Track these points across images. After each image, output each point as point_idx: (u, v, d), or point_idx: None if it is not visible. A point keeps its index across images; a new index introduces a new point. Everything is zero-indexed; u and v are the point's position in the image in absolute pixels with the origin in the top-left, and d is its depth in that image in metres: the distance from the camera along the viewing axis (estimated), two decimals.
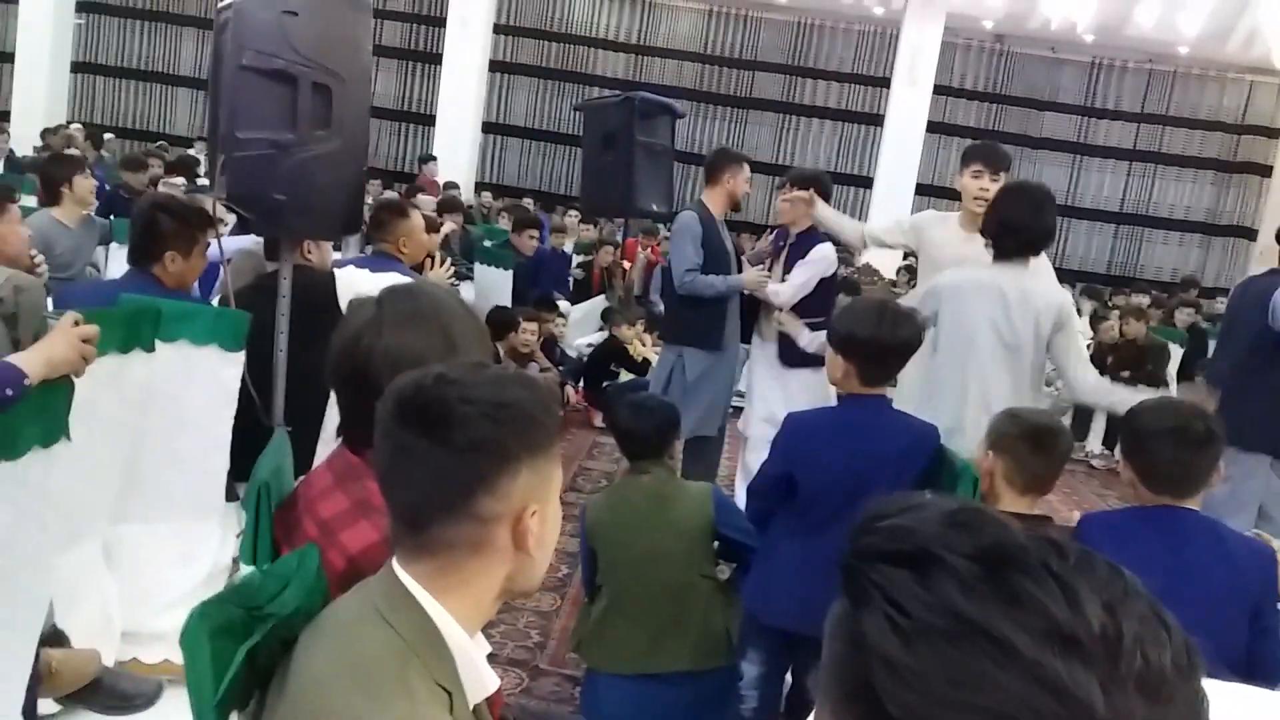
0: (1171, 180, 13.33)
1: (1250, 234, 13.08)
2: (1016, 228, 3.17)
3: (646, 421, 2.90)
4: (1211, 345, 9.00)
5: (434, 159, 11.62)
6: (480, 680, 1.25)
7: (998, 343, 3.12)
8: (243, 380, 2.97)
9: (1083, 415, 7.74)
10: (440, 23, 12.57)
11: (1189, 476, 2.22)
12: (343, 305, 2.95)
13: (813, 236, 4.40)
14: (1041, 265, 3.59)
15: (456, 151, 12.21)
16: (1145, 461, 2.25)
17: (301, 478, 1.77)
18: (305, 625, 1.26)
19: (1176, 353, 8.56)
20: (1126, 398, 3.23)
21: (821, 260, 4.35)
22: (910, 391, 3.34)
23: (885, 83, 12.66)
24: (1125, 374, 7.64)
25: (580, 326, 7.74)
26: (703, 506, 2.78)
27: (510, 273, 6.56)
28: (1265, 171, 13.15)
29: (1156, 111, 13.18)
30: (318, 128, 2.84)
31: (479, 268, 6.82)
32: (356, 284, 3.41)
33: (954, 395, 3.10)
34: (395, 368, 1.42)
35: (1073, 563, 0.60)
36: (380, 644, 1.16)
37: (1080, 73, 13.21)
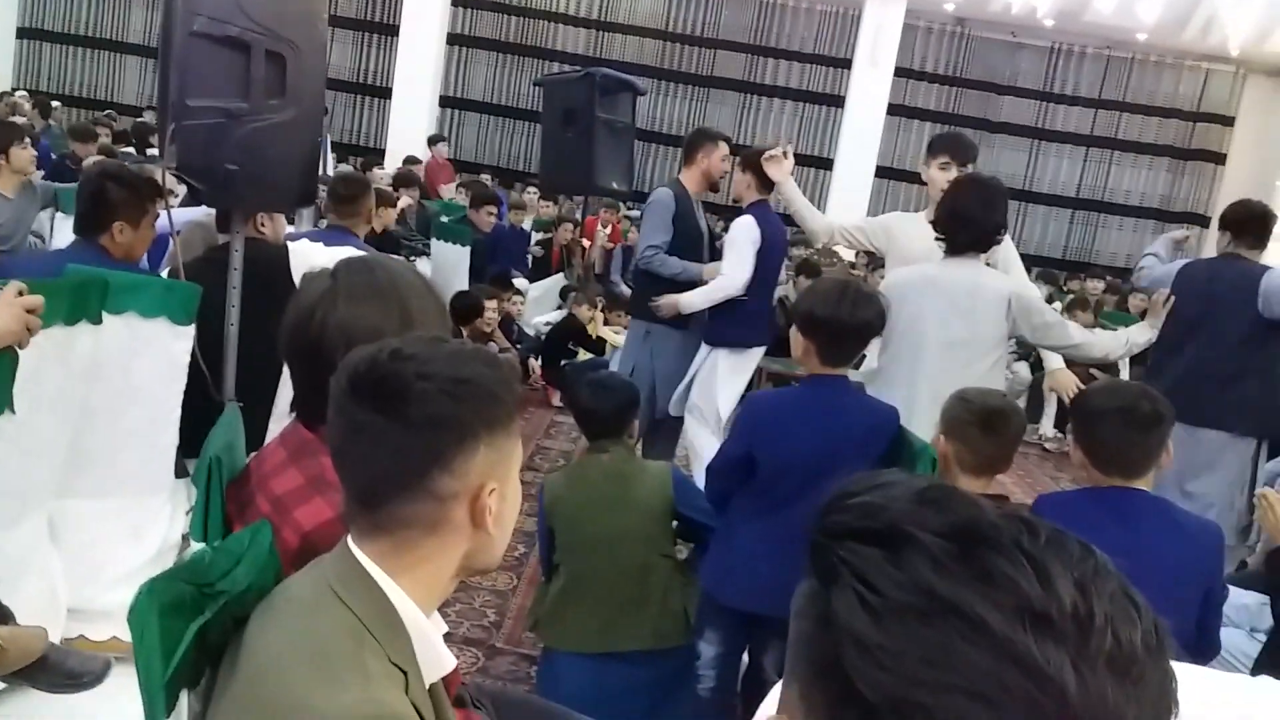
0: (1128, 166, 13.47)
1: (1204, 220, 13.26)
2: (967, 222, 3.18)
3: (607, 400, 2.89)
4: None
5: (444, 140, 11.39)
6: (437, 659, 1.23)
7: (948, 340, 3.14)
8: (193, 354, 2.91)
9: (1036, 398, 7.83)
10: None
11: (1138, 457, 2.25)
12: (296, 279, 2.91)
13: (760, 211, 4.30)
14: (1010, 256, 3.62)
15: (413, 125, 12.06)
16: (1094, 442, 2.28)
17: (254, 453, 1.73)
18: (258, 603, 1.24)
19: None
20: (1135, 336, 3.45)
21: (740, 235, 4.22)
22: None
23: (847, 64, 12.68)
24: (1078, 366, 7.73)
25: (539, 305, 7.69)
26: (662, 486, 2.77)
27: (468, 249, 6.50)
28: (1220, 159, 13.34)
29: (1114, 98, 13.30)
30: (271, 97, 2.77)
31: (436, 244, 6.75)
32: (310, 257, 3.35)
33: (904, 391, 3.10)
34: (350, 342, 1.39)
35: (1044, 541, 0.60)
36: (335, 623, 1.14)
37: (1039, 58, 13.29)
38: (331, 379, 1.20)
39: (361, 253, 3.65)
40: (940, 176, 3.64)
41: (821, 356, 2.62)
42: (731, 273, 4.19)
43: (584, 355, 6.75)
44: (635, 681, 2.73)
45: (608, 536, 2.72)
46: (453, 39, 12.98)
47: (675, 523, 2.83)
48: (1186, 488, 3.81)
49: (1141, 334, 3.50)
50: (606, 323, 6.90)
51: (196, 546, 1.69)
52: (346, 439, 1.19)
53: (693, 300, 4.24)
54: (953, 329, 3.14)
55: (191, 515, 1.98)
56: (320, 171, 3.31)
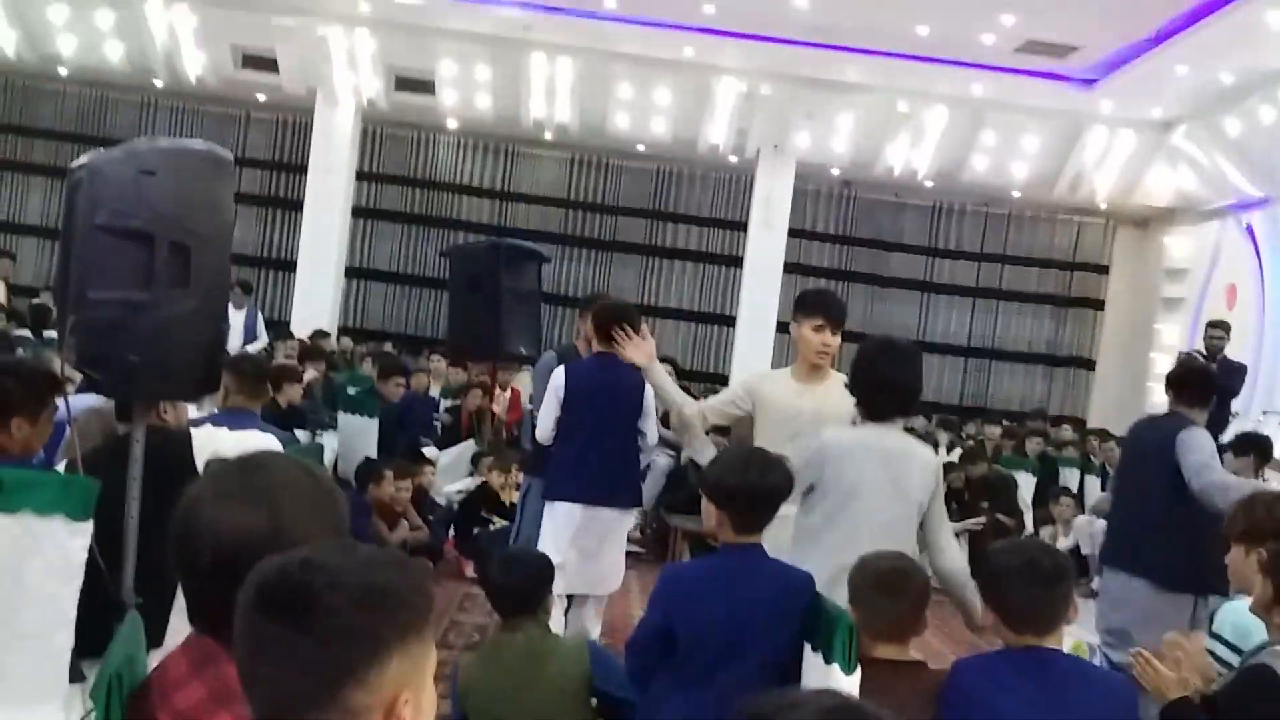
0: (1013, 315, 14.05)
1: (1089, 364, 13.85)
2: (889, 388, 3.17)
3: (518, 575, 2.85)
4: (1062, 471, 9.48)
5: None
6: None
7: (884, 503, 3.09)
8: (90, 551, 2.79)
9: None
10: (301, 170, 12.56)
11: (1045, 613, 2.30)
12: (200, 466, 2.83)
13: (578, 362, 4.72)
14: None
15: (318, 297, 12.05)
16: (1002, 601, 2.33)
17: (156, 665, 1.66)
18: None
19: (1028, 481, 8.91)
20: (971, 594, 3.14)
21: (541, 378, 4.58)
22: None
23: (743, 226, 13.15)
24: (984, 507, 7.92)
25: (449, 473, 7.60)
26: (579, 663, 2.73)
27: (375, 420, 6.44)
28: (1098, 305, 14.01)
29: (995, 251, 13.96)
30: (175, 286, 2.76)
31: (343, 416, 6.67)
32: (214, 444, 3.29)
33: (839, 555, 2.94)
34: (217, 545, 1.37)
35: None
36: None
37: (923, 216, 13.96)
38: (239, 591, 1.17)
39: (265, 435, 3.61)
40: (816, 339, 3.62)
41: (735, 525, 2.64)
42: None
43: (499, 523, 6.65)
44: None
45: (522, 718, 2.64)
46: (357, 212, 13.14)
47: (594, 699, 2.77)
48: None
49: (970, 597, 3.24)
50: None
51: None
52: (253, 654, 1.15)
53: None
54: (888, 493, 3.09)
55: None
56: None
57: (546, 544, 4.34)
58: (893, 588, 2.44)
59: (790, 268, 12.91)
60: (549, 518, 4.55)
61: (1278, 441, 7.05)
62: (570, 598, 4.61)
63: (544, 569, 2.96)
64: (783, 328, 12.81)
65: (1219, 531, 3.66)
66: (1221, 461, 4.78)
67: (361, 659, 1.14)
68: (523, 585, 2.85)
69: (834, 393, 3.55)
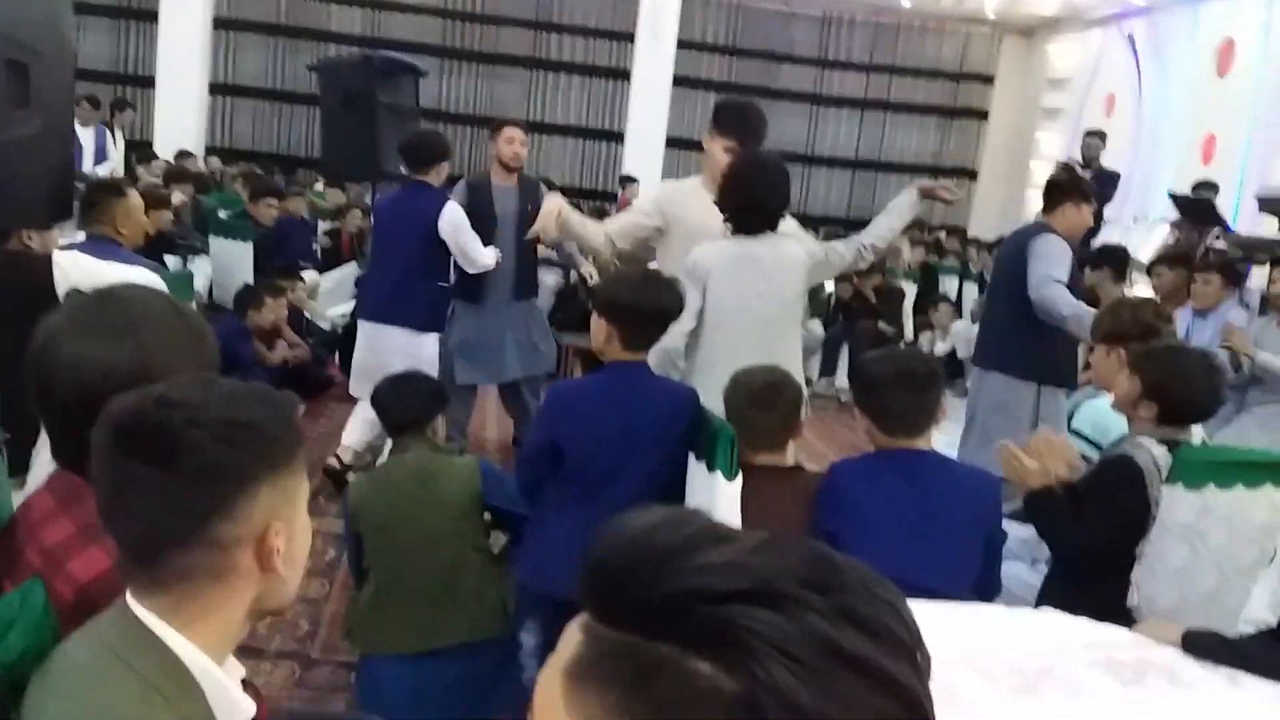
0: (901, 127, 14.13)
1: (971, 175, 14.09)
2: (755, 206, 3.20)
3: (406, 396, 2.85)
4: (942, 279, 9.78)
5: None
6: (236, 708, 1.19)
7: (761, 310, 3.17)
8: None
9: (830, 353, 8.17)
10: None
11: (917, 417, 2.39)
12: (61, 294, 2.71)
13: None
14: (789, 225, 3.72)
15: (182, 116, 11.40)
16: (876, 406, 2.41)
17: (22, 500, 1.61)
18: (35, 668, 1.16)
19: (910, 289, 9.16)
20: (899, 216, 3.52)
21: (447, 222, 4.53)
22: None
23: (630, 38, 12.77)
24: (866, 317, 8.14)
25: (333, 296, 7.43)
26: (469, 480, 2.76)
27: (250, 245, 6.22)
28: (983, 116, 14.16)
29: (884, 62, 13.91)
30: (15, 108, 2.56)
31: (215, 241, 6.42)
32: (75, 270, 3.14)
33: (723, 367, 3.01)
34: (79, 381, 1.32)
35: (874, 577, 0.61)
36: (119, 687, 1.08)
37: (813, 27, 13.74)
38: (93, 430, 1.13)
39: (127, 263, 3.45)
40: (725, 160, 3.50)
41: (625, 342, 2.64)
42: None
43: None
44: (457, 678, 2.72)
45: (416, 537, 2.68)
46: (219, 23, 12.32)
47: (487, 515, 2.82)
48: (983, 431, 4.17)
49: (906, 213, 3.53)
50: None
51: None
52: (115, 493, 1.12)
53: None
54: (767, 306, 3.17)
55: None
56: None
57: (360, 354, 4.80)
58: (765, 401, 2.51)
59: (680, 80, 12.66)
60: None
61: (1148, 246, 7.35)
62: None
63: (432, 389, 2.95)
64: (672, 143, 12.67)
65: (1054, 329, 3.96)
66: (1083, 271, 5.00)
67: (227, 493, 1.12)
68: (410, 405, 2.85)
69: None
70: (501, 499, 2.79)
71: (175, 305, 1.65)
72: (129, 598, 1.14)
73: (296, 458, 1.21)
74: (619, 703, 0.57)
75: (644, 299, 2.60)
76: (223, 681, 1.16)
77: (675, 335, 2.98)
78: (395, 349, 4.57)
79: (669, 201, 3.69)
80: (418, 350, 4.59)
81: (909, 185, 3.58)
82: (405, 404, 2.84)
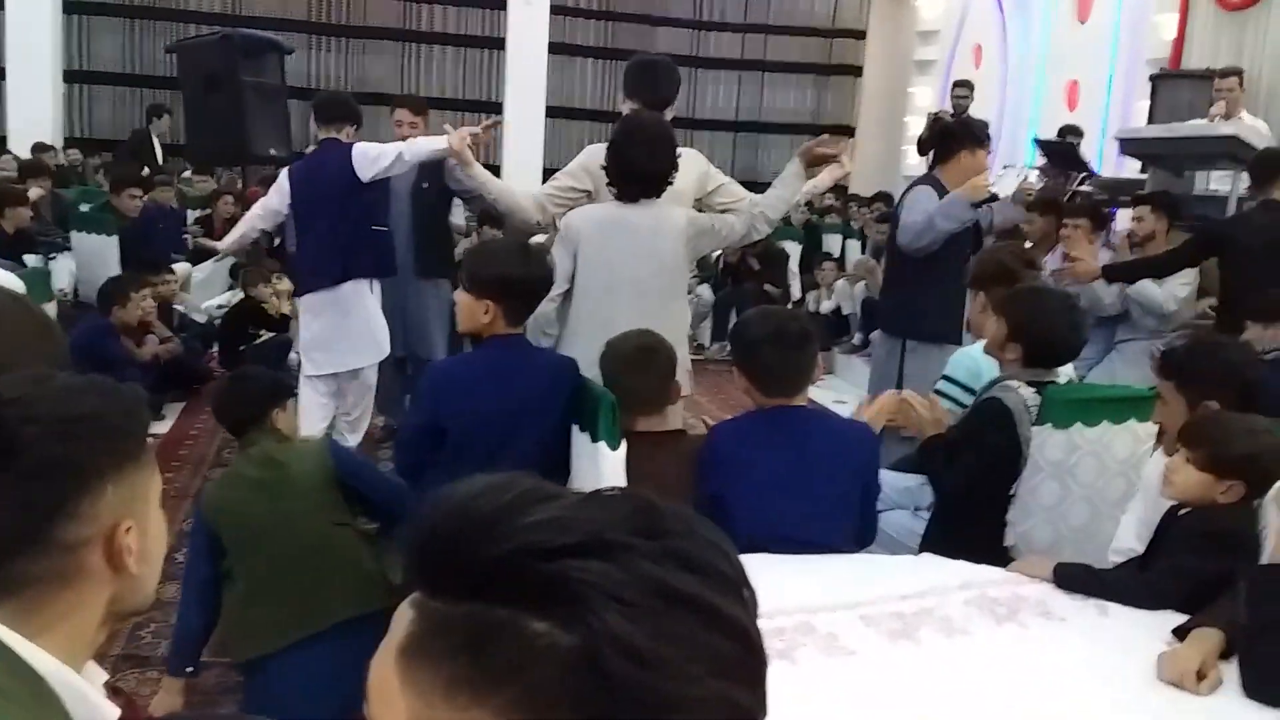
0: (778, 86, 14.25)
1: (849, 131, 14.25)
2: (632, 171, 3.14)
3: (239, 391, 2.80)
4: (825, 238, 9.92)
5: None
6: (97, 714, 1.14)
7: (637, 277, 3.13)
8: None
9: (720, 318, 8.24)
10: None
11: (793, 376, 2.42)
12: None
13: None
14: (691, 156, 3.60)
15: (34, 105, 10.82)
16: (754, 366, 2.44)
17: None
18: None
19: (795, 249, 9.26)
20: (786, 191, 3.39)
21: (360, 155, 4.40)
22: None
23: (502, 4, 12.57)
24: (753, 280, 8.22)
25: (206, 287, 7.19)
26: (320, 459, 2.70)
27: (115, 238, 5.97)
28: (857, 72, 14.35)
29: (759, 21, 13.99)
30: None
31: (77, 236, 6.15)
32: None
33: (600, 334, 2.97)
34: None
35: (696, 519, 0.63)
36: None
37: None
38: None
39: None
40: None
41: (509, 317, 2.61)
42: None
43: (265, 336, 6.40)
44: (350, 654, 2.63)
45: (275, 521, 2.61)
46: (70, 7, 11.72)
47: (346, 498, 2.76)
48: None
49: (794, 183, 3.41)
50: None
51: None
52: None
53: None
54: (640, 272, 3.12)
55: None
56: None
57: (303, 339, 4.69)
58: (638, 364, 2.51)
59: (555, 48, 12.53)
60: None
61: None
62: None
63: (268, 384, 2.88)
64: (553, 112, 12.56)
65: (927, 285, 3.97)
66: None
67: (69, 491, 1.08)
68: (243, 399, 2.78)
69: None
70: (359, 480, 2.73)
71: (21, 300, 1.59)
72: None
73: (145, 451, 1.17)
74: (457, 674, 0.57)
75: (521, 270, 2.57)
76: (80, 688, 1.12)
77: (544, 301, 2.93)
78: (351, 305, 4.47)
79: (597, 164, 3.57)
80: (361, 302, 4.50)
81: (794, 154, 3.45)
82: (243, 402, 2.77)
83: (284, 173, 4.66)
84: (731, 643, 0.58)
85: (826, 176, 3.72)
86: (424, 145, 4.39)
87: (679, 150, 3.22)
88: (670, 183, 3.20)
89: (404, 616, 0.62)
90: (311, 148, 4.87)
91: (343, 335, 4.52)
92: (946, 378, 3.24)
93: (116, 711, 1.18)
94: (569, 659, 0.55)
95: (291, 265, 4.97)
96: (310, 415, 4.52)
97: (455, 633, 0.58)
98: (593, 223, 3.19)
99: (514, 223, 3.75)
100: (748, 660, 0.59)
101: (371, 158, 4.35)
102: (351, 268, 4.46)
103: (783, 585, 1.96)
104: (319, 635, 2.60)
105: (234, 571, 2.64)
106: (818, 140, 3.53)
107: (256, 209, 4.78)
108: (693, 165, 3.47)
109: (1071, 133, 8.03)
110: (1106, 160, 8.64)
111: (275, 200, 4.58)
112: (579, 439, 2.57)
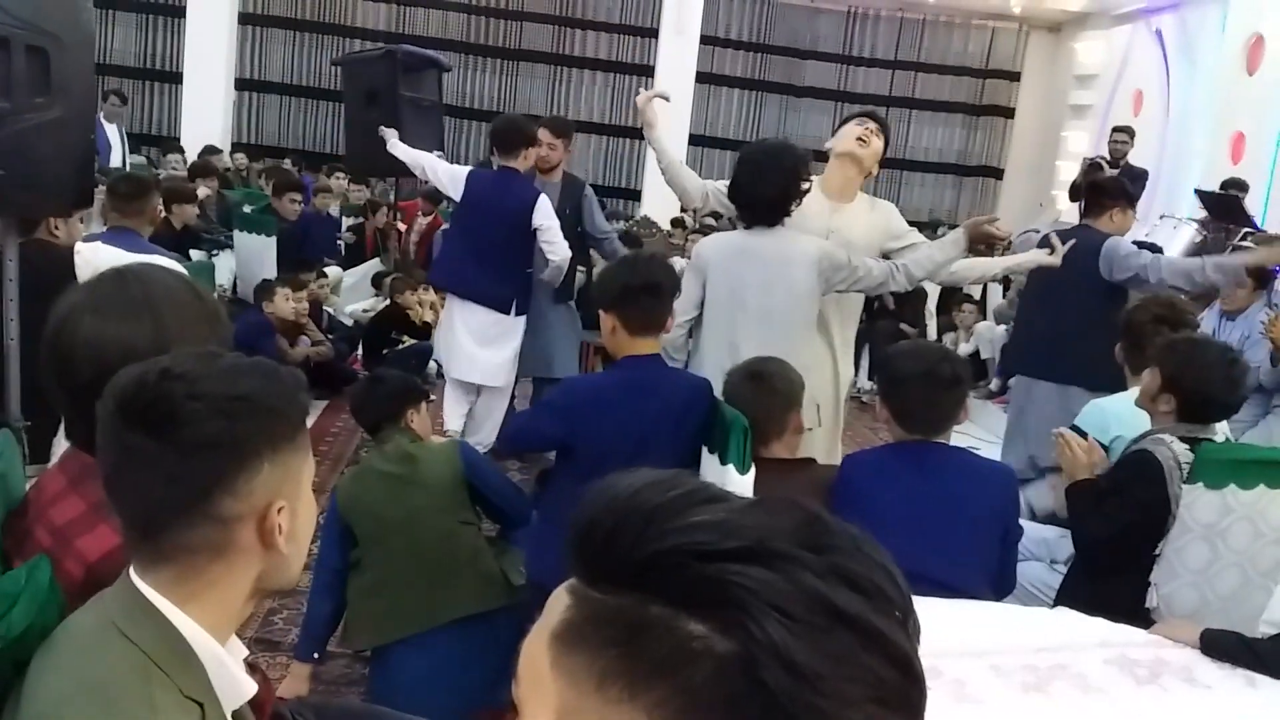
0: (926, 124, 14.03)
1: (997, 173, 13.98)
2: (753, 198, 3.13)
3: (376, 392, 2.92)
4: None
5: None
6: (236, 687, 1.19)
7: (764, 305, 3.09)
8: None
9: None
10: None
11: (938, 416, 2.37)
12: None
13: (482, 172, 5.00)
14: (883, 209, 3.61)
15: (208, 111, 11.46)
16: (899, 403, 2.39)
17: (33, 482, 1.62)
18: (39, 644, 1.16)
19: (933, 289, 9.06)
20: (941, 255, 3.30)
21: (542, 213, 4.64)
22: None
23: (654, 34, 12.75)
24: (888, 319, 8.10)
25: (354, 292, 7.47)
26: (450, 459, 2.79)
27: (273, 239, 6.24)
28: (1009, 113, 14.03)
29: (909, 59, 13.81)
30: (35, 95, 2.59)
31: (239, 235, 6.45)
32: (96, 260, 3.16)
33: (726, 361, 2.97)
34: (99, 360, 1.31)
35: (863, 538, 0.61)
36: (119, 661, 1.08)
37: (838, 22, 13.67)
38: (98, 404, 1.13)
39: (148, 254, 3.48)
40: (857, 130, 3.53)
41: (626, 327, 2.62)
42: None
43: (409, 342, 6.60)
44: (471, 649, 2.70)
45: (404, 515, 2.70)
46: (245, 19, 12.39)
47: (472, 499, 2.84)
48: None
49: (950, 250, 3.31)
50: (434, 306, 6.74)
51: None
52: (118, 466, 1.13)
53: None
54: (770, 297, 3.10)
55: None
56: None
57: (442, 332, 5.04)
58: (747, 390, 2.51)
59: (703, 77, 12.63)
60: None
61: (1174, 245, 7.25)
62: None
63: (403, 385, 2.99)
64: (695, 140, 12.65)
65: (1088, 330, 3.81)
66: None
67: (228, 467, 1.12)
68: (378, 399, 2.90)
69: (859, 213, 3.47)
70: (487, 486, 2.82)
71: (193, 286, 1.65)
72: (132, 572, 1.15)
73: (301, 435, 1.21)
74: (610, 666, 0.57)
75: (631, 275, 2.60)
76: (223, 658, 1.16)
77: (674, 328, 2.94)
78: (481, 330, 4.77)
79: None
80: (500, 334, 4.79)
81: (961, 225, 3.39)
82: (379, 401, 2.89)
83: (467, 171, 4.92)
84: (893, 670, 0.56)
85: (1029, 259, 3.70)
86: (567, 252, 4.73)
87: (807, 179, 3.17)
88: (789, 211, 3.13)
89: (560, 602, 0.62)
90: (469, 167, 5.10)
91: (477, 350, 4.83)
92: (1075, 428, 3.12)
93: (254, 686, 1.23)
94: (725, 664, 0.54)
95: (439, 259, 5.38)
96: (450, 412, 4.93)
97: (611, 624, 0.58)
98: (721, 250, 3.20)
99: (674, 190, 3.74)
100: (908, 690, 0.57)
101: (546, 222, 4.64)
102: (497, 300, 4.75)
103: None
104: (440, 629, 2.66)
105: (363, 562, 2.73)
106: (989, 218, 3.48)
107: (437, 160, 5.20)
108: (881, 217, 3.50)
109: (1235, 186, 7.68)
110: (1271, 216, 8.23)
111: (447, 179, 4.91)
112: (708, 461, 2.56)
